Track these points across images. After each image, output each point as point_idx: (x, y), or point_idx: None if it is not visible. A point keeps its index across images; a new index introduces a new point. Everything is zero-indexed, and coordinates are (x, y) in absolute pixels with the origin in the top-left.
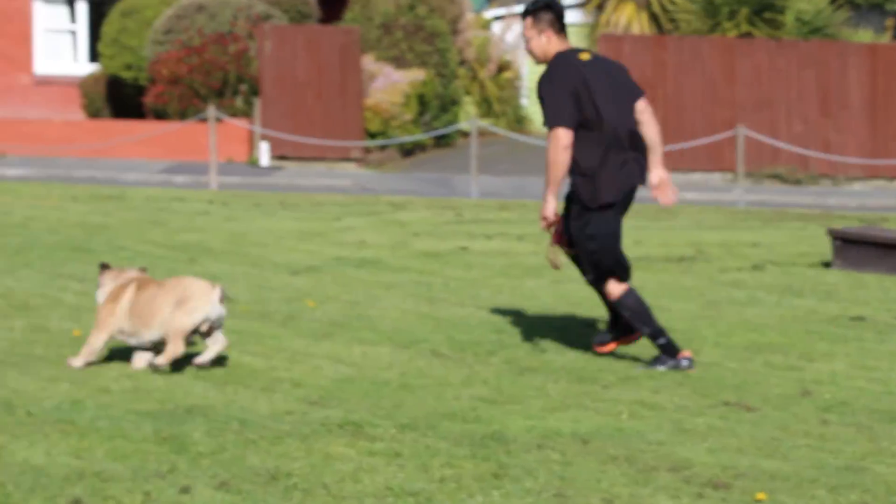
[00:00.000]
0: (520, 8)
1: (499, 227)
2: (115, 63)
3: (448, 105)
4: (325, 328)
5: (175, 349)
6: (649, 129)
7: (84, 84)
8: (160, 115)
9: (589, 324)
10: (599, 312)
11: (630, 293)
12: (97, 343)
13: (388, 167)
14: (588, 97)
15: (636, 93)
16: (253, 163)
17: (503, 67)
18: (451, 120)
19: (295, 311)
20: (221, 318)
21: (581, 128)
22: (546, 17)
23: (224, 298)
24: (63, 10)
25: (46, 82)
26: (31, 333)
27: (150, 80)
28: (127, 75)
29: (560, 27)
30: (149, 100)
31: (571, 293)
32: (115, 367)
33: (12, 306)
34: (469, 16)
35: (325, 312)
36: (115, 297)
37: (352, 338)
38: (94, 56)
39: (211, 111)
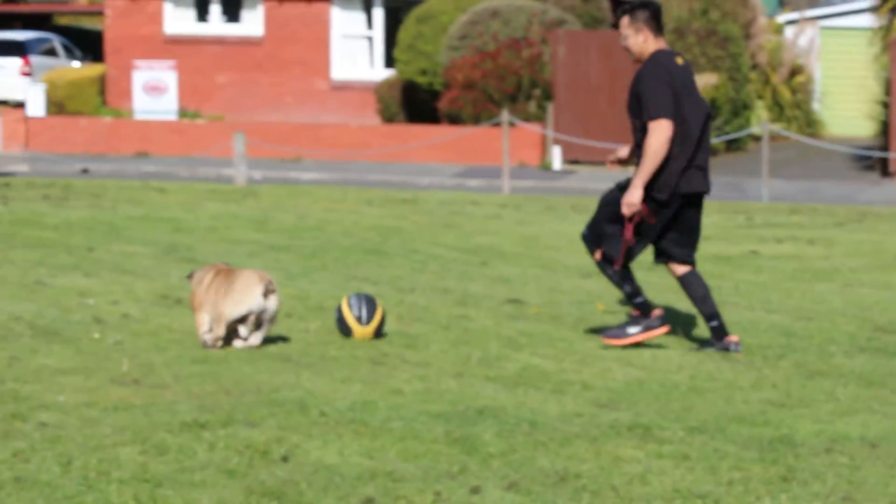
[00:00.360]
0: (814, 12)
1: (789, 230)
2: (411, 68)
3: (740, 109)
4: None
5: (216, 332)
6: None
7: (379, 89)
8: (454, 120)
9: (879, 327)
10: (888, 318)
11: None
12: (202, 322)
13: None
14: (679, 98)
15: (706, 107)
16: (545, 167)
17: (795, 71)
18: (743, 124)
19: (586, 314)
20: (267, 311)
21: None
22: (642, 15)
23: (269, 292)
24: (360, 16)
25: (343, 87)
26: (325, 335)
27: (445, 84)
28: (422, 80)
29: (657, 26)
30: (443, 104)
31: (862, 297)
32: (407, 370)
33: (307, 308)
34: (761, 20)
35: (616, 315)
36: (199, 280)
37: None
38: (389, 61)
39: (504, 116)
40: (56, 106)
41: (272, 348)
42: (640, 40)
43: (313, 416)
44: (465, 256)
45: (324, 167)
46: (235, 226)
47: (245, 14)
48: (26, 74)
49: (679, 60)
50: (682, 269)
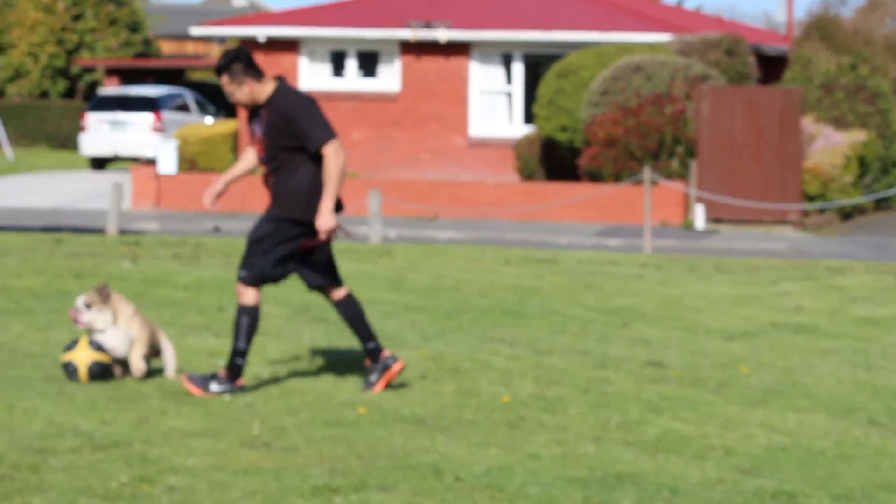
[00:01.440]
0: None
1: None
2: (551, 124)
3: (889, 167)
4: (759, 395)
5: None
6: None
7: (518, 146)
8: (595, 178)
9: None
10: None
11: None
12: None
13: (826, 230)
14: None
15: None
16: (688, 226)
17: None
18: (893, 182)
19: (729, 378)
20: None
21: None
22: (238, 68)
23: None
24: (499, 70)
25: (481, 144)
26: (460, 398)
27: (586, 141)
28: (562, 137)
29: (256, 71)
30: (584, 162)
31: None
32: (544, 433)
33: (442, 370)
34: None
35: (760, 379)
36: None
37: (786, 405)
38: (528, 117)
39: (646, 173)
40: (188, 162)
41: (406, 411)
42: (247, 91)
43: (448, 482)
44: (605, 318)
45: (461, 226)
46: (370, 285)
47: (381, 69)
48: (158, 131)
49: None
50: (341, 293)
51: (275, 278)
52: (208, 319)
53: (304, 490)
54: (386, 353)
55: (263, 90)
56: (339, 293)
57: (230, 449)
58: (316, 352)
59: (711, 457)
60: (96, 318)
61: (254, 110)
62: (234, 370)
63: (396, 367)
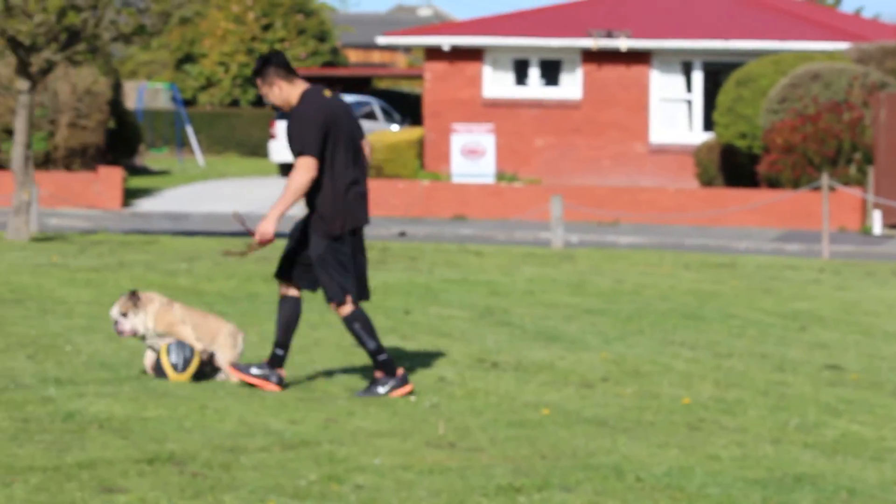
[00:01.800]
0: None
1: None
2: (730, 132)
3: None
4: None
5: None
6: None
7: (698, 152)
8: (773, 184)
9: None
10: None
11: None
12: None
13: None
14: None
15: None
16: (865, 231)
17: None
18: None
19: None
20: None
21: None
22: (270, 70)
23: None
24: (679, 79)
25: (661, 151)
26: (641, 400)
27: (764, 148)
28: (741, 144)
29: (286, 73)
30: (762, 168)
31: None
32: (724, 435)
33: (624, 372)
34: None
35: None
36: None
37: None
38: (708, 125)
39: (824, 179)
40: (375, 169)
41: (588, 412)
42: (277, 92)
43: (629, 482)
44: (784, 321)
45: (641, 231)
46: (552, 289)
47: (564, 77)
48: None
49: (326, 93)
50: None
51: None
52: (395, 322)
53: (489, 489)
54: (283, 372)
55: (293, 93)
56: (294, 291)
57: (416, 449)
58: (499, 354)
59: (889, 459)
60: (136, 323)
61: (285, 113)
62: (386, 366)
63: (269, 386)
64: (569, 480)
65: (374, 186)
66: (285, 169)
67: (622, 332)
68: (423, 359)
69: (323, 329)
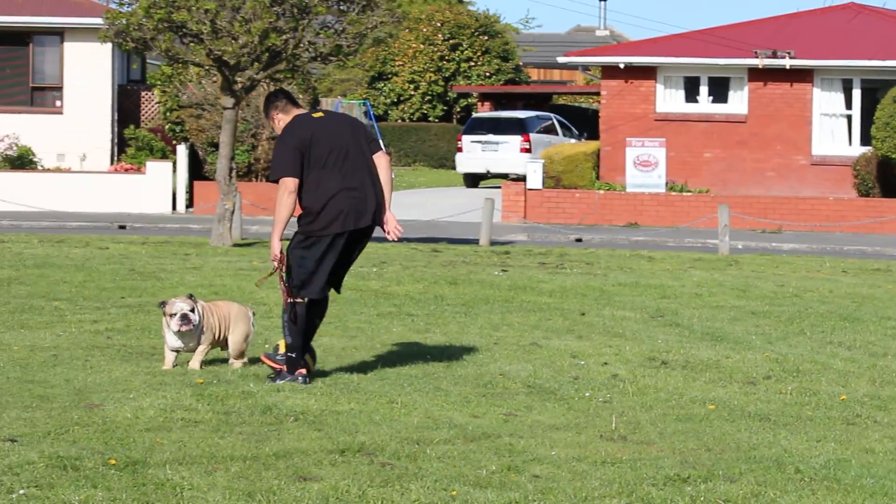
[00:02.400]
0: None
1: None
2: (887, 145)
3: None
4: None
5: None
6: None
7: (856, 164)
8: None
9: None
10: None
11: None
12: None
13: None
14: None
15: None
16: None
17: None
18: None
19: None
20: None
21: None
22: (269, 109)
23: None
24: (839, 95)
25: (822, 163)
26: (801, 396)
27: None
28: None
29: (286, 103)
30: None
31: None
32: (878, 430)
33: (785, 370)
34: None
35: None
36: None
37: None
38: (866, 139)
39: None
40: (553, 179)
41: (751, 408)
42: (277, 123)
43: (789, 473)
44: None
45: (802, 238)
46: (719, 292)
47: (731, 94)
48: (526, 151)
49: (316, 115)
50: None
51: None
52: (571, 323)
53: (657, 480)
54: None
55: (286, 122)
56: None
57: (590, 441)
58: (669, 353)
59: None
60: (197, 318)
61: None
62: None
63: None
64: (733, 472)
65: (553, 196)
66: (470, 180)
67: (784, 333)
68: (597, 357)
69: (504, 329)
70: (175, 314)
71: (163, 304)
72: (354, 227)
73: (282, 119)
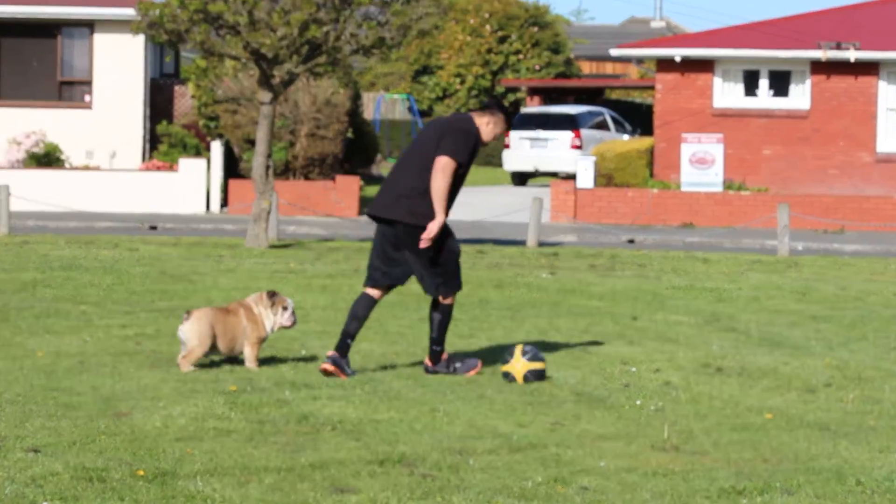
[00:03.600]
0: None
1: None
2: None
3: None
4: None
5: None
6: None
7: None
8: None
9: None
10: None
11: None
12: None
13: None
14: None
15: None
16: None
17: None
18: None
19: None
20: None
21: None
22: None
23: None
24: None
25: (887, 160)
26: (863, 404)
27: None
28: None
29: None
30: None
31: None
32: None
33: (846, 377)
34: None
35: None
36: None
37: None
38: None
39: None
40: (605, 178)
41: (810, 417)
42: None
43: (850, 485)
44: None
45: (866, 238)
46: (777, 296)
47: (792, 88)
48: (577, 147)
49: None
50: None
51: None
52: (622, 328)
53: (711, 492)
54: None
55: None
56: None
57: (640, 452)
58: (724, 359)
59: None
60: None
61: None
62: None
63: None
64: (790, 484)
65: (604, 195)
66: (518, 178)
67: (846, 339)
68: (649, 364)
69: (551, 334)
70: (287, 308)
71: (273, 294)
72: (368, 212)
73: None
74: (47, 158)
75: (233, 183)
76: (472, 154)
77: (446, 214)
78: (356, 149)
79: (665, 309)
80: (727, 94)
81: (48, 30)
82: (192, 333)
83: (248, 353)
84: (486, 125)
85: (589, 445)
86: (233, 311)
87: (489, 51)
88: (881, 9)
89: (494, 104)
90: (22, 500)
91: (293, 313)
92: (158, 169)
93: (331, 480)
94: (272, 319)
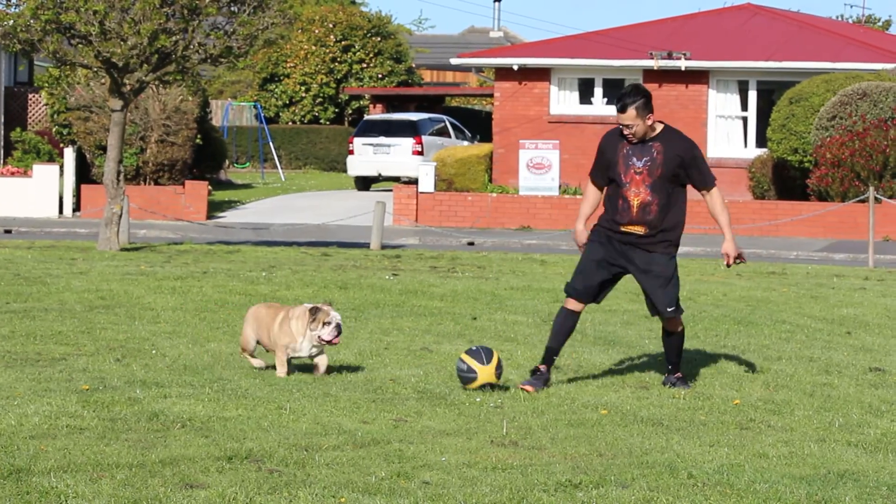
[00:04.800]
0: None
1: None
2: (782, 147)
3: None
4: None
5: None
6: None
7: (752, 167)
8: (822, 197)
9: None
10: None
11: None
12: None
13: None
14: None
15: None
16: None
17: None
18: None
19: None
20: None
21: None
22: (643, 103)
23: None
24: (735, 98)
25: (717, 165)
26: (694, 401)
27: (814, 162)
28: (792, 159)
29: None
30: (812, 181)
31: None
32: (772, 434)
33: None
34: None
35: None
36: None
37: None
38: (761, 141)
39: (871, 192)
40: (445, 182)
41: (643, 413)
42: (649, 123)
43: (682, 478)
44: (830, 327)
45: (697, 241)
46: (612, 296)
47: None
48: (418, 153)
49: None
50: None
51: None
52: (462, 327)
53: (549, 485)
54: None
55: (655, 127)
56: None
57: (480, 447)
58: (561, 358)
59: None
60: None
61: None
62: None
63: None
64: (625, 477)
65: (445, 199)
66: (362, 183)
67: None
68: None
69: (394, 334)
70: (331, 323)
71: (315, 309)
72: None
73: (654, 122)
74: None
75: (85, 188)
76: None
77: None
78: (205, 155)
79: (504, 309)
80: (563, 101)
81: None
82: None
83: (277, 357)
84: None
85: (430, 441)
86: (274, 310)
87: (334, 60)
88: (711, 20)
89: None
90: None
91: (336, 327)
92: (13, 174)
93: (181, 476)
94: (311, 333)
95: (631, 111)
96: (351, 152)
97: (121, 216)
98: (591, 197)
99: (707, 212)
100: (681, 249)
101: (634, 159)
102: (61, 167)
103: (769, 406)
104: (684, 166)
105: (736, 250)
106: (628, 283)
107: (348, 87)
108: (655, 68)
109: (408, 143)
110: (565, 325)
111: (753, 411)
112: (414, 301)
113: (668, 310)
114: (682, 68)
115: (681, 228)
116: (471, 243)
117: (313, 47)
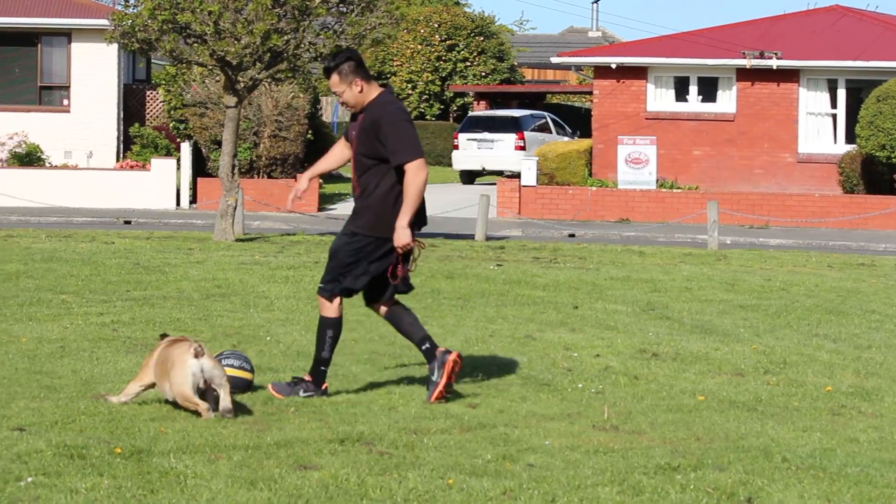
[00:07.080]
0: None
1: None
2: (871, 143)
3: None
4: None
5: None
6: None
7: (841, 162)
8: None
9: None
10: None
11: None
12: (131, 388)
13: None
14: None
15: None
16: None
17: None
18: None
19: None
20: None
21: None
22: (348, 68)
23: (199, 355)
24: (824, 95)
25: (808, 160)
26: (788, 387)
27: None
28: (880, 155)
29: (366, 73)
30: None
31: None
32: (863, 420)
33: (772, 362)
34: None
35: None
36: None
37: None
38: (850, 137)
39: None
40: (547, 176)
41: (740, 399)
42: (357, 91)
43: (776, 462)
44: None
45: (789, 233)
46: (708, 286)
47: (720, 94)
48: (520, 148)
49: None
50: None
51: (356, 291)
52: (564, 316)
53: (649, 468)
54: (440, 349)
55: (369, 94)
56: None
57: (583, 431)
58: (659, 345)
59: None
60: None
61: (354, 114)
62: (319, 376)
63: (451, 357)
64: (721, 461)
65: (546, 192)
66: (466, 177)
67: (771, 326)
68: (590, 349)
69: (498, 322)
70: None
71: None
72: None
73: (364, 89)
74: (29, 158)
75: (201, 181)
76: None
77: None
78: (316, 149)
79: (604, 298)
80: (659, 99)
81: (29, 38)
82: None
83: None
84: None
85: (535, 425)
86: None
87: (439, 58)
88: (800, 20)
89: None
90: (7, 475)
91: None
92: (132, 168)
93: (295, 458)
94: None
95: (334, 77)
96: (456, 147)
97: (235, 208)
98: (332, 153)
99: (801, 204)
100: (774, 241)
101: (354, 132)
102: (178, 161)
103: (860, 393)
104: (379, 137)
105: (404, 241)
106: (722, 274)
107: (453, 85)
108: (748, 67)
109: (510, 138)
110: None
111: (845, 398)
112: (517, 290)
113: (319, 284)
114: (774, 67)
115: (374, 214)
116: (572, 235)
117: (419, 46)
